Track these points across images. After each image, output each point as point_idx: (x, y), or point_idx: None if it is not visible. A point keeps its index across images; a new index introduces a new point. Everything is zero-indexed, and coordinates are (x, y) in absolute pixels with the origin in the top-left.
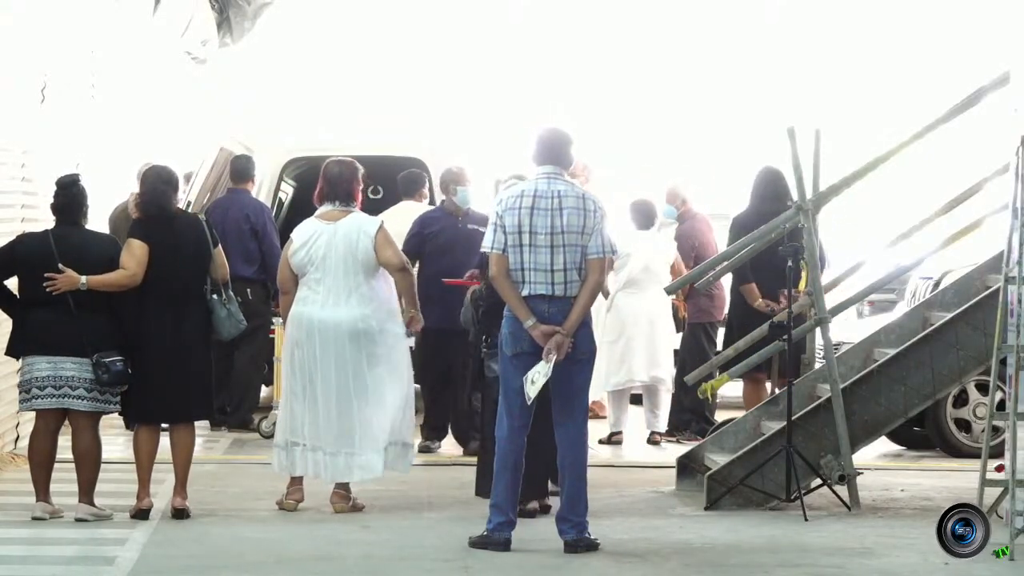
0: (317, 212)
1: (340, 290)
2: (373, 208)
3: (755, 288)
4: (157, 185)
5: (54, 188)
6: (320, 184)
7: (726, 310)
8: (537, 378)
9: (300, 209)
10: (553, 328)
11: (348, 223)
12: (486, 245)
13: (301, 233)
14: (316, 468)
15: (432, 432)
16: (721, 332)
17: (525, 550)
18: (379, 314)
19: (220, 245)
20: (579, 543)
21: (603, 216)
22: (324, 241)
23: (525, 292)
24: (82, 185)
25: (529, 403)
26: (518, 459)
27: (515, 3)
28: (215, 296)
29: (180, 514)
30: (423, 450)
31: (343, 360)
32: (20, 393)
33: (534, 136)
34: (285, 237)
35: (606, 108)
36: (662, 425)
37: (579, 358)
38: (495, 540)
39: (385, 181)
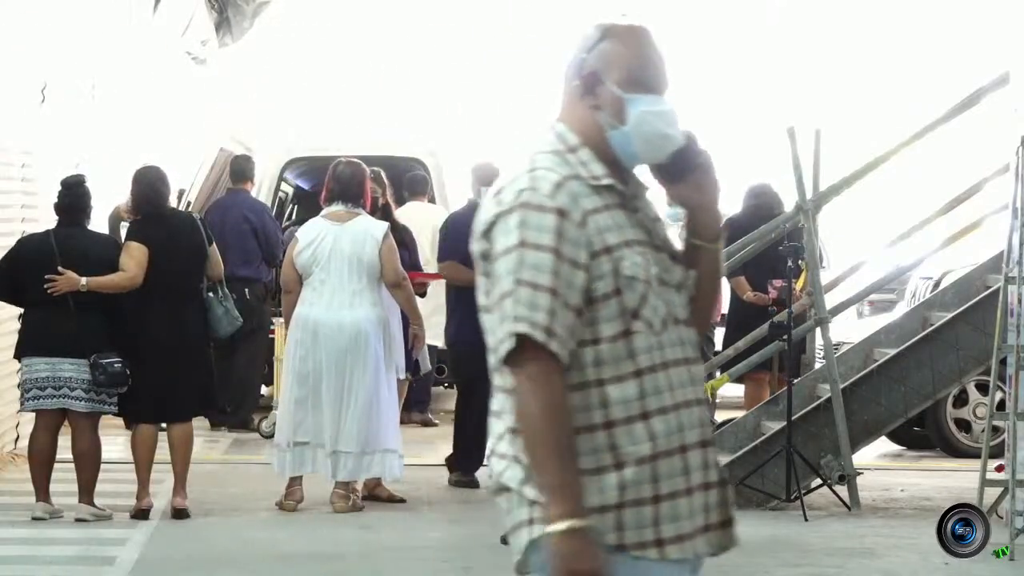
0: (323, 212)
1: (344, 292)
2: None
3: (744, 281)
4: (154, 184)
5: (59, 188)
6: (329, 184)
7: (724, 310)
8: None
9: (307, 208)
10: None
11: (355, 225)
12: None
13: (307, 232)
14: (326, 467)
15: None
16: (720, 332)
17: None
18: (381, 318)
19: (215, 243)
20: None
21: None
22: (330, 241)
23: None
24: (87, 186)
25: None
26: None
27: (514, 3)
28: (211, 294)
29: (180, 514)
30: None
31: (343, 363)
32: (20, 393)
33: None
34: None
35: None
36: None
37: None
38: None
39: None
